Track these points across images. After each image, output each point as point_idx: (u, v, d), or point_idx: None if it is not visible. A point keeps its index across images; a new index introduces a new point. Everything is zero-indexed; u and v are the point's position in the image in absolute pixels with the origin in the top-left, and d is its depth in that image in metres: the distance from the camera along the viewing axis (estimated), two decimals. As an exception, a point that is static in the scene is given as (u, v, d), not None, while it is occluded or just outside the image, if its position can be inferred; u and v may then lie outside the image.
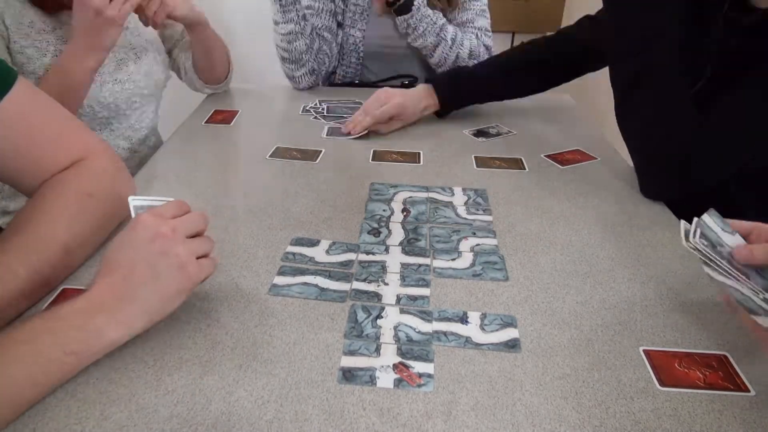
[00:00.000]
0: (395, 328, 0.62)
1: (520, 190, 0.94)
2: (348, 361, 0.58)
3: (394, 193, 0.91)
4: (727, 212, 0.57)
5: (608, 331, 0.63)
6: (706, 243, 0.55)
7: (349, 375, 0.56)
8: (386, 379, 0.56)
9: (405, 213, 0.86)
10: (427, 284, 0.70)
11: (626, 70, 0.88)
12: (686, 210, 0.63)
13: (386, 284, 0.69)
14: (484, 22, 1.37)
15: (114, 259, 0.57)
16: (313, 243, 0.77)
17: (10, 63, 0.96)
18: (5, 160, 0.69)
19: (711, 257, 0.54)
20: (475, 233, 0.81)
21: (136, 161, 1.19)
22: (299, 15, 1.26)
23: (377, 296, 0.67)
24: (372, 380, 0.55)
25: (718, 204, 0.58)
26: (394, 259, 0.74)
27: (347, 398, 0.54)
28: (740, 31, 0.80)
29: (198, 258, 0.59)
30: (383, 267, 0.73)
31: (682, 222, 0.57)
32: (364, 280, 0.70)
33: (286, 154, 1.05)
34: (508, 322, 0.64)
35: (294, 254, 0.75)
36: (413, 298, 0.67)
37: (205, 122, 1.20)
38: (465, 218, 0.85)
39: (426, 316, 0.64)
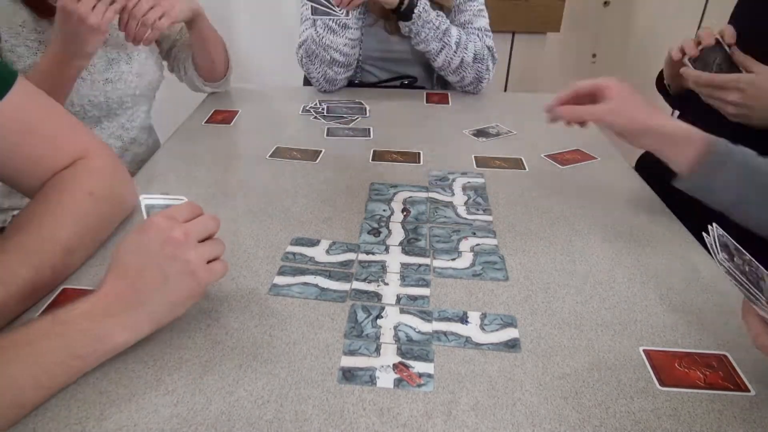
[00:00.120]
0: (395, 328, 0.62)
1: (520, 190, 0.94)
2: (348, 361, 0.58)
3: (394, 193, 0.91)
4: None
5: (608, 331, 0.63)
6: (727, 257, 0.53)
7: (349, 375, 0.56)
8: (386, 379, 0.56)
9: (405, 213, 0.86)
10: (427, 284, 0.70)
11: None
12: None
13: (386, 284, 0.69)
14: (483, 22, 1.36)
15: (124, 261, 0.56)
16: (313, 243, 0.77)
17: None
18: (4, 160, 0.69)
19: (736, 276, 0.53)
20: (475, 233, 0.81)
21: (129, 159, 1.19)
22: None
23: (377, 296, 0.67)
24: (372, 380, 0.55)
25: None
26: (394, 259, 0.75)
27: (347, 398, 0.54)
28: None
29: (208, 262, 0.59)
30: (383, 267, 0.73)
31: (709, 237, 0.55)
32: (364, 280, 0.70)
33: (286, 154, 1.05)
34: (508, 322, 0.64)
35: (294, 254, 0.75)
36: (413, 298, 0.67)
37: (205, 122, 1.20)
38: (465, 218, 0.85)
39: (426, 316, 0.64)
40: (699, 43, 0.88)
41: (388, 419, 0.51)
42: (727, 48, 0.83)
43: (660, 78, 1.10)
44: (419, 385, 0.55)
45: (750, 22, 0.96)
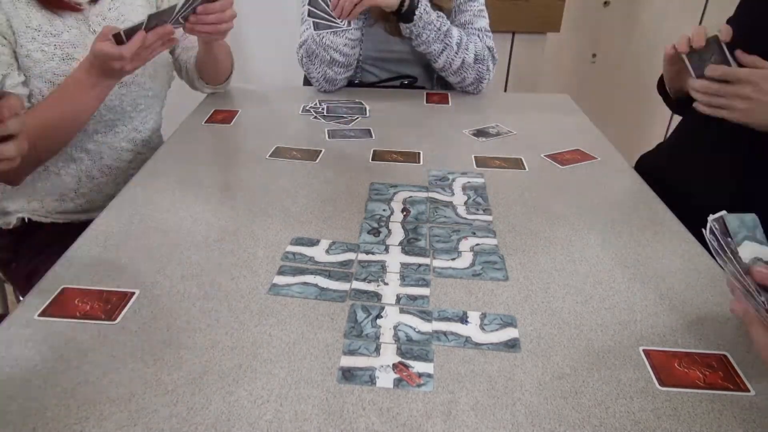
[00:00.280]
0: (395, 327, 0.62)
1: (520, 190, 0.94)
2: (348, 361, 0.58)
3: (394, 193, 0.91)
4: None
5: (608, 331, 0.63)
6: (722, 241, 0.54)
7: (348, 375, 0.56)
8: (386, 379, 0.56)
9: (405, 213, 0.86)
10: (426, 284, 0.70)
11: None
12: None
13: (386, 284, 0.69)
14: (484, 22, 1.35)
15: None
16: (313, 243, 0.77)
17: (16, 68, 0.96)
18: None
19: (720, 254, 0.54)
20: (475, 233, 0.81)
21: (141, 162, 1.19)
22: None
23: (377, 296, 0.67)
24: (372, 380, 0.55)
25: None
26: (394, 258, 0.74)
27: (347, 398, 0.54)
28: None
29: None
30: (383, 267, 0.73)
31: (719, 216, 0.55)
32: (363, 280, 0.70)
33: (286, 154, 1.05)
34: (508, 322, 0.64)
35: (294, 254, 0.75)
36: (413, 298, 0.67)
37: (205, 122, 1.20)
38: (465, 218, 0.85)
39: (426, 315, 0.64)
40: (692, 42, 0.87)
41: (388, 419, 0.51)
42: (724, 47, 0.82)
43: (661, 82, 1.10)
44: (419, 385, 0.55)
45: (752, 21, 0.96)
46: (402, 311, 0.65)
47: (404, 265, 0.73)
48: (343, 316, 0.64)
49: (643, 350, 0.60)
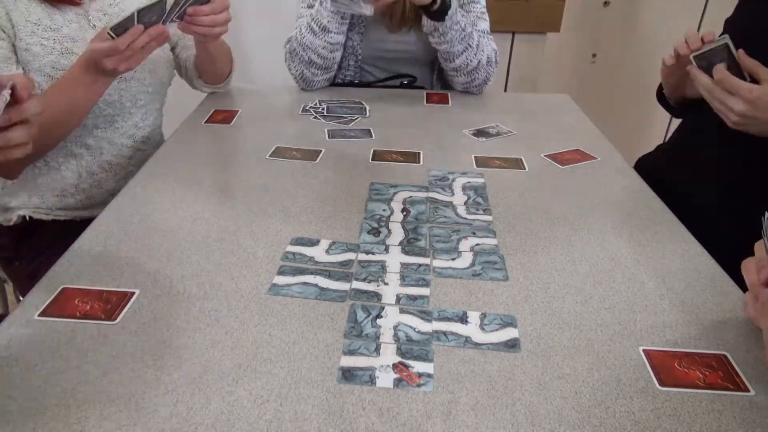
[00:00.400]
0: (395, 327, 0.62)
1: (520, 190, 0.94)
2: (348, 361, 0.58)
3: (394, 193, 0.91)
4: None
5: (608, 331, 0.63)
6: None
7: (348, 375, 0.56)
8: (386, 379, 0.56)
9: (405, 213, 0.86)
10: (426, 284, 0.70)
11: None
12: None
13: (386, 284, 0.69)
14: (486, 25, 1.35)
15: None
16: (313, 243, 0.77)
17: (15, 62, 0.96)
18: None
19: None
20: (474, 233, 0.81)
21: (141, 159, 1.19)
22: (347, 27, 1.28)
23: (377, 296, 0.67)
24: (372, 380, 0.55)
25: None
26: (394, 258, 0.75)
27: (347, 398, 0.54)
28: None
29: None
30: (383, 267, 0.73)
31: None
32: (363, 280, 0.70)
33: (286, 154, 1.05)
34: (508, 322, 0.64)
35: (294, 254, 0.75)
36: (413, 298, 0.67)
37: (205, 122, 1.20)
38: (465, 218, 0.85)
39: (426, 315, 0.64)
40: (696, 43, 0.86)
41: (388, 419, 0.51)
42: (734, 51, 0.81)
43: (660, 91, 1.10)
44: (419, 385, 0.55)
45: (752, 22, 0.96)
46: (402, 311, 0.65)
47: (404, 265, 0.73)
48: (343, 316, 0.64)
49: (643, 350, 0.60)
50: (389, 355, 0.59)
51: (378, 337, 0.61)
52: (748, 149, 0.90)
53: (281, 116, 1.26)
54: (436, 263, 0.74)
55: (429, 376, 0.56)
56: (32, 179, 1.07)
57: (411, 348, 0.60)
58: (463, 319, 0.64)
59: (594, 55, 2.39)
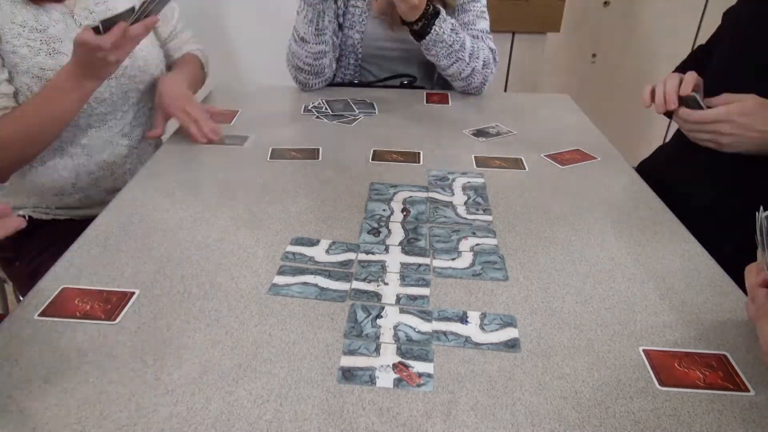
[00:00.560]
0: (395, 327, 0.62)
1: (520, 190, 0.94)
2: (347, 361, 0.58)
3: (394, 193, 0.91)
4: None
5: (608, 331, 0.63)
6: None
7: (348, 375, 0.56)
8: (386, 379, 0.56)
9: (405, 213, 0.86)
10: (426, 284, 0.70)
11: None
12: None
13: (386, 284, 0.69)
14: (485, 24, 1.35)
15: None
16: (313, 243, 0.77)
17: (1, 65, 0.96)
18: None
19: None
20: (474, 233, 0.81)
21: (138, 158, 1.19)
22: (328, 35, 1.28)
23: (377, 296, 0.67)
24: (372, 380, 0.55)
25: None
26: (394, 258, 0.75)
27: (347, 398, 0.54)
28: None
29: None
30: (383, 267, 0.73)
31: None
32: (363, 280, 0.70)
33: (286, 155, 1.05)
34: (508, 322, 0.64)
35: (294, 254, 0.75)
36: (413, 298, 0.67)
37: (205, 122, 1.19)
38: (465, 218, 0.85)
39: (426, 315, 0.64)
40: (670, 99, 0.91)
41: (388, 419, 0.51)
42: (702, 104, 0.88)
43: None
44: (419, 385, 0.55)
45: (750, 23, 0.96)
46: (402, 311, 0.65)
47: (404, 265, 0.73)
48: (343, 316, 0.64)
49: (643, 350, 0.60)
50: (389, 355, 0.59)
51: (378, 337, 0.61)
52: (743, 168, 0.90)
53: (282, 116, 1.26)
54: (436, 263, 0.74)
55: (429, 376, 0.56)
56: (30, 179, 1.07)
57: (411, 348, 0.60)
58: (463, 319, 0.64)
59: (594, 55, 2.39)
